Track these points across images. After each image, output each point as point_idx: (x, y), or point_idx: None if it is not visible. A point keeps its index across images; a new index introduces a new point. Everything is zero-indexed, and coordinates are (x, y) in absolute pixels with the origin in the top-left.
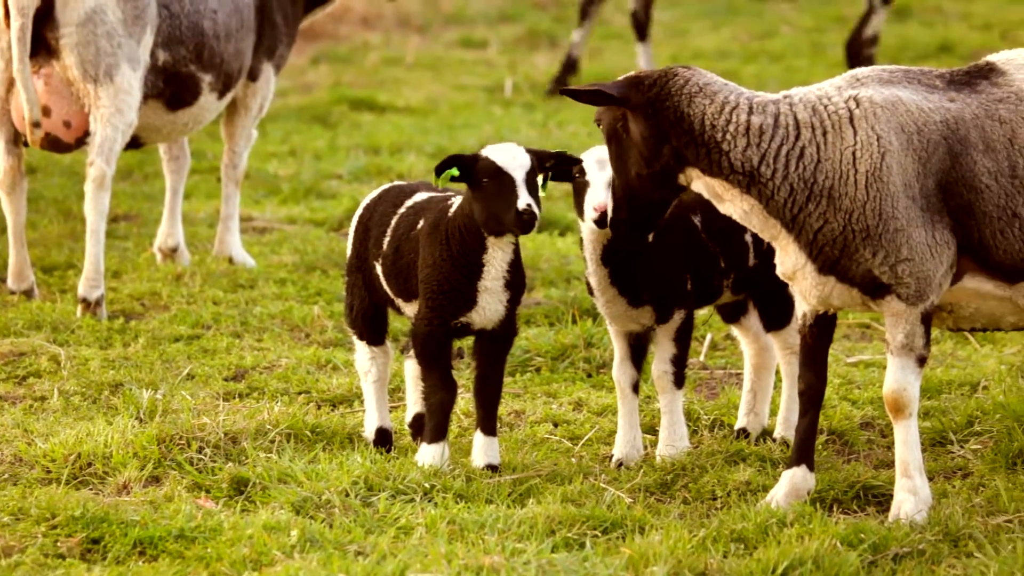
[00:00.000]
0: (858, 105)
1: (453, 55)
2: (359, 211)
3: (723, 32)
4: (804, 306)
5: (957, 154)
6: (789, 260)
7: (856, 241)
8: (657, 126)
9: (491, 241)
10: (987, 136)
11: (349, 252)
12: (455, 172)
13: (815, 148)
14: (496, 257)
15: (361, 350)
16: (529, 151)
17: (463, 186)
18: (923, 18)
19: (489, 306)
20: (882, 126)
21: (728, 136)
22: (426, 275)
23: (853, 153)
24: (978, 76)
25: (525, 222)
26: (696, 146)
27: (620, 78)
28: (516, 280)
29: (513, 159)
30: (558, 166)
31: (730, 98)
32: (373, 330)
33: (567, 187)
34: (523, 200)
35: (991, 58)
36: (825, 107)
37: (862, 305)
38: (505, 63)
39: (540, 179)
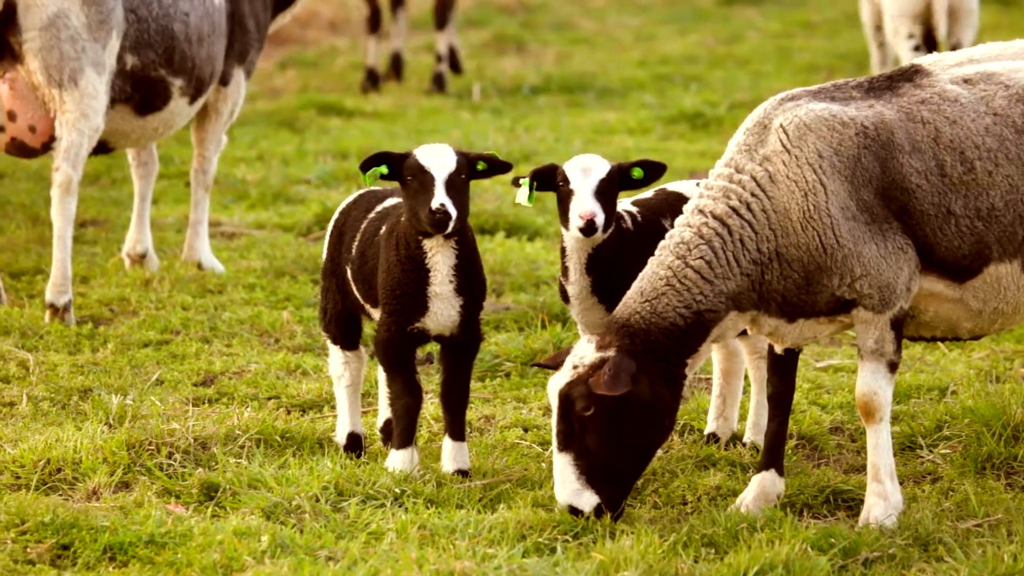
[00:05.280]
0: (771, 160)
1: (421, 60)
2: (335, 215)
3: (690, 37)
4: None
5: (883, 159)
6: (765, 328)
7: (814, 278)
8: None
9: (427, 243)
10: (911, 137)
11: (324, 256)
12: (384, 170)
13: (748, 228)
14: (439, 260)
15: (334, 354)
16: (459, 153)
17: None
18: None
19: (441, 312)
20: (795, 169)
21: (698, 296)
22: (382, 280)
23: (785, 207)
24: (901, 79)
25: (438, 221)
26: (688, 335)
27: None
28: (470, 285)
29: (437, 159)
30: (490, 169)
31: (665, 272)
32: (346, 334)
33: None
34: (437, 199)
35: (918, 60)
36: (740, 183)
37: (829, 324)
38: (473, 68)
39: (525, 189)
